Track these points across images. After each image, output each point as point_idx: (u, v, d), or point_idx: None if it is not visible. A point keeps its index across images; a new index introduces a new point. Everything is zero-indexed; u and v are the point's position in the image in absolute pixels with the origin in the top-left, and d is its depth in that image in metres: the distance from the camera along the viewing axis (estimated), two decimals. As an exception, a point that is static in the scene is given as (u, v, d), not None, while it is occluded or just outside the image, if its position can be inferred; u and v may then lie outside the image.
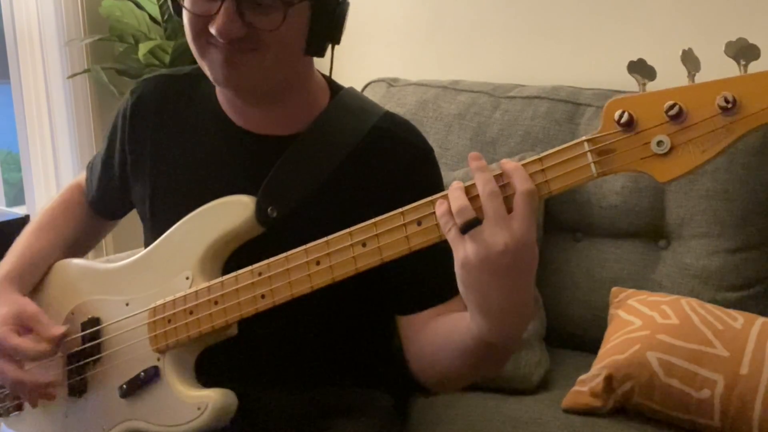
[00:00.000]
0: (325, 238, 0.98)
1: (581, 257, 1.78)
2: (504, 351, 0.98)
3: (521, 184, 0.84)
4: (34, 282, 1.28)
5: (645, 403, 1.43)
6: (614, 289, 1.66)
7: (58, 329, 1.16)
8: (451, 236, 0.87)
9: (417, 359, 1.12)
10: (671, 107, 0.80)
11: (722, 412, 1.37)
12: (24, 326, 1.18)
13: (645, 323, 1.49)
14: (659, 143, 0.81)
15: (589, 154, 0.84)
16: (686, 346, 1.42)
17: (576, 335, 1.75)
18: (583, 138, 0.84)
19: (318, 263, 0.98)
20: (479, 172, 0.87)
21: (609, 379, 1.45)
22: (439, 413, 1.51)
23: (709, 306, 1.51)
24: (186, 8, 1.05)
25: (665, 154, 0.81)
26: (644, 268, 1.72)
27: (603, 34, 2.04)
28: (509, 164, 0.86)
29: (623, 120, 0.82)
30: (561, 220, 1.81)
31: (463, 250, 0.85)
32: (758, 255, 1.64)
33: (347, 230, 0.96)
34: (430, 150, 1.19)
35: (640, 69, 0.83)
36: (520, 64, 2.20)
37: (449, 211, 0.87)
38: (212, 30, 1.02)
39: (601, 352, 1.52)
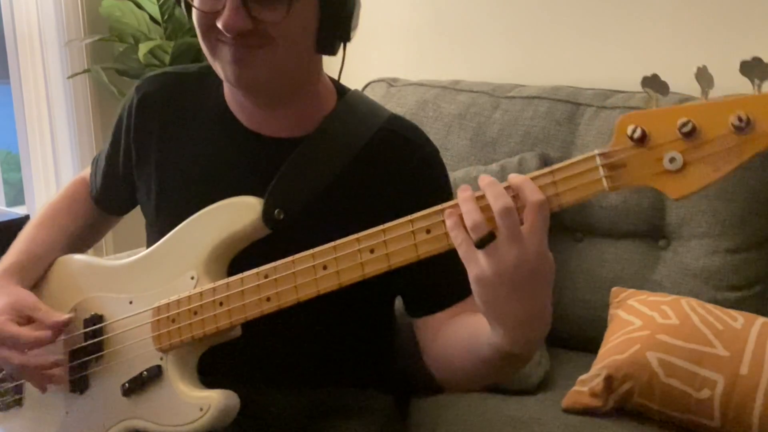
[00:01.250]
0: (332, 243, 0.97)
1: (581, 257, 1.79)
2: (524, 358, 0.98)
3: (531, 195, 0.84)
4: (36, 276, 1.28)
5: (645, 403, 1.43)
6: (614, 289, 1.66)
7: (60, 316, 1.16)
8: (463, 250, 0.86)
9: (435, 361, 1.13)
10: (684, 124, 0.79)
11: (722, 412, 1.37)
12: (22, 316, 1.17)
13: (645, 323, 1.49)
14: (671, 160, 0.80)
15: (601, 168, 0.84)
16: (686, 346, 1.42)
17: (576, 335, 1.75)
18: (596, 152, 0.84)
19: (325, 268, 0.97)
20: (490, 186, 0.85)
21: (609, 379, 1.45)
22: (439, 413, 1.51)
23: (709, 306, 1.51)
24: (194, 6, 1.07)
25: (677, 171, 0.80)
26: (644, 268, 1.72)
27: (603, 34, 2.04)
28: (517, 178, 0.86)
29: (636, 135, 0.81)
30: (561, 220, 1.81)
31: (478, 266, 0.84)
32: (758, 255, 1.64)
33: (355, 236, 0.95)
34: (437, 151, 1.20)
35: (654, 84, 0.82)
36: (520, 64, 2.20)
37: (459, 224, 0.86)
38: (219, 24, 1.04)
39: (601, 352, 1.52)
